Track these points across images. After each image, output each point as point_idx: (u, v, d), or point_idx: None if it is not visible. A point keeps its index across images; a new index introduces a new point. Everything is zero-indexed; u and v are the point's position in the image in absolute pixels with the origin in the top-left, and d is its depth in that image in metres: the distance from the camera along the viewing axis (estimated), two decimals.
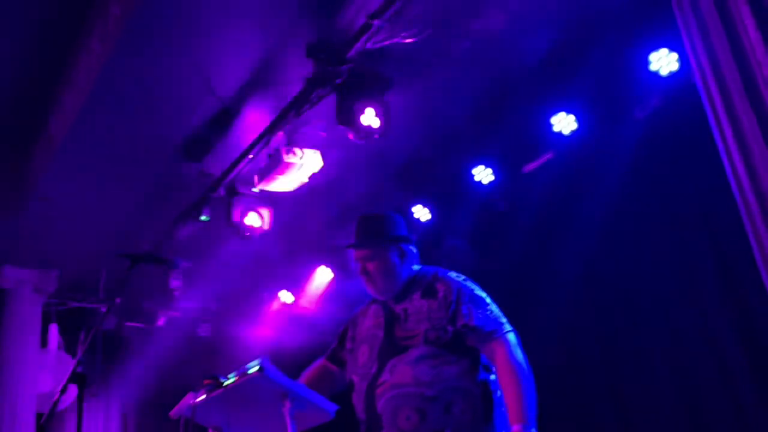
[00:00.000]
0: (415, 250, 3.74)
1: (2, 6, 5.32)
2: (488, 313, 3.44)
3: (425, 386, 3.30)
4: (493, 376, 3.40)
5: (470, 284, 3.57)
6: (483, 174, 6.61)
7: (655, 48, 5.28)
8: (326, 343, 4.00)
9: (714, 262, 5.46)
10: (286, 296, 8.87)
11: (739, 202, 3.25)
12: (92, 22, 5.47)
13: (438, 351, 3.36)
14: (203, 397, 3.13)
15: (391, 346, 3.45)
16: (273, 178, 6.04)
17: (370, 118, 5.33)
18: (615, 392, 6.05)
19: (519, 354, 3.36)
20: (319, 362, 3.86)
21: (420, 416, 3.27)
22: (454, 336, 3.38)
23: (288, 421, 3.00)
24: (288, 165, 5.85)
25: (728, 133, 3.24)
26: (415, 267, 3.71)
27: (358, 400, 3.49)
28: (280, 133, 5.97)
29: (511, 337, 3.40)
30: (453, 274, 3.63)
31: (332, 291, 8.29)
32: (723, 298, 5.37)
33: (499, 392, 3.36)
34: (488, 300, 3.52)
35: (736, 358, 5.23)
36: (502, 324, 3.42)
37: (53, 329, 8.53)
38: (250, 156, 6.28)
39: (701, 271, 5.53)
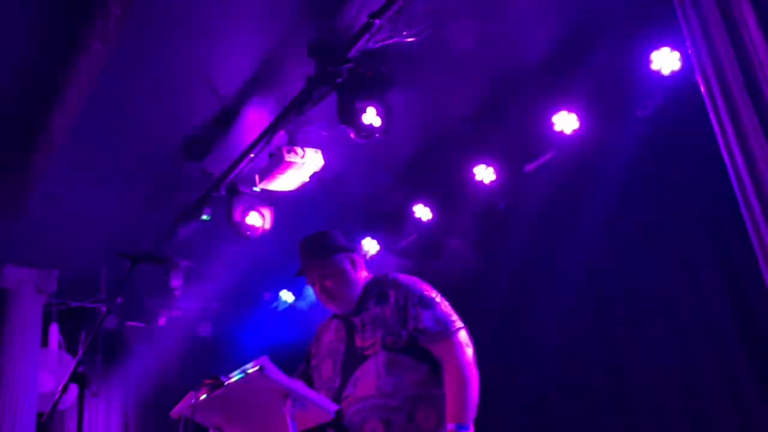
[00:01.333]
0: (361, 258, 3.80)
1: (3, 6, 5.32)
2: (437, 312, 3.46)
3: (388, 397, 3.34)
4: None
5: (420, 285, 3.60)
6: (484, 173, 6.60)
7: (657, 47, 5.27)
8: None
9: (716, 260, 5.45)
10: (287, 296, 8.88)
11: (740, 200, 3.24)
12: (93, 21, 5.46)
13: (397, 357, 3.39)
14: (204, 396, 3.12)
15: (353, 357, 3.50)
16: (274, 178, 6.03)
17: (371, 117, 5.33)
18: (617, 390, 6.03)
19: (469, 351, 3.39)
20: None
21: (385, 426, 3.31)
22: (408, 339, 3.41)
23: (288, 420, 3.00)
24: (289, 164, 5.85)
25: (730, 132, 3.23)
26: (364, 274, 3.76)
27: None
28: (282, 132, 5.97)
29: (461, 335, 3.43)
30: (403, 277, 3.67)
31: None
32: (725, 296, 5.35)
33: None
34: (438, 299, 3.54)
35: (739, 357, 5.22)
36: (451, 322, 3.44)
37: (54, 329, 8.54)
38: (251, 155, 6.28)
39: (703, 270, 5.52)
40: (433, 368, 3.41)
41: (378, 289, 3.62)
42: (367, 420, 3.34)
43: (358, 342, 3.51)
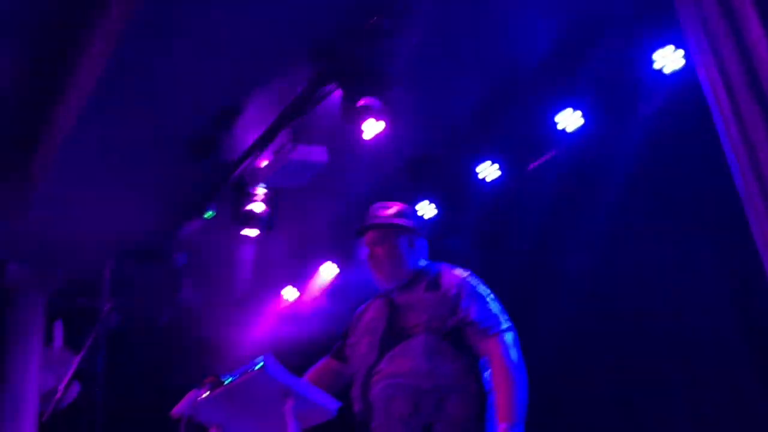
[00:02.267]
0: (424, 245, 3.76)
1: (4, 6, 5.32)
2: (487, 309, 3.44)
3: (422, 378, 3.32)
4: (489, 376, 3.39)
5: (474, 280, 3.58)
6: (488, 171, 6.60)
7: (660, 45, 5.27)
8: (331, 340, 4.00)
9: (719, 259, 5.45)
10: (290, 293, 8.88)
11: (744, 199, 3.23)
12: (94, 21, 5.47)
13: (438, 344, 3.37)
14: (205, 395, 3.12)
15: (392, 336, 3.47)
16: (278, 176, 6.04)
17: (375, 115, 5.32)
18: (620, 390, 6.03)
19: (514, 353, 3.36)
20: (323, 360, 3.88)
21: (413, 407, 3.29)
22: (453, 329, 3.39)
23: (290, 419, 3.00)
24: (293, 162, 5.85)
25: (733, 130, 3.22)
26: (423, 262, 3.71)
27: (355, 390, 3.51)
28: (285, 130, 5.97)
29: (509, 336, 3.40)
30: (458, 270, 3.64)
31: (336, 288, 8.29)
32: (728, 294, 5.35)
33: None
34: (490, 297, 3.52)
35: (741, 355, 5.22)
36: (500, 322, 3.42)
37: (58, 326, 8.54)
38: (255, 153, 6.28)
39: (706, 268, 5.52)
40: (472, 363, 3.39)
41: (431, 276, 3.60)
42: (394, 398, 3.32)
43: (401, 322, 3.48)
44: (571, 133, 5.91)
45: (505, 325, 3.42)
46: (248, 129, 6.21)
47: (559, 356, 6.38)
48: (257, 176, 6.28)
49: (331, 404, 3.18)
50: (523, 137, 6.37)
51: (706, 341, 5.44)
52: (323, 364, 3.85)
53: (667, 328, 5.72)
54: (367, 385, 3.42)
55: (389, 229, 3.67)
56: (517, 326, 6.46)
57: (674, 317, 5.67)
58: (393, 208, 3.76)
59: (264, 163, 6.17)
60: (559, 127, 5.92)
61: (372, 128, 5.35)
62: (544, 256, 6.65)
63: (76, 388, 6.54)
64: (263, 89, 5.85)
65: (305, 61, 5.49)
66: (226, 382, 3.09)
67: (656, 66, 5.31)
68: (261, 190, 6.24)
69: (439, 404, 3.28)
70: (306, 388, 3.15)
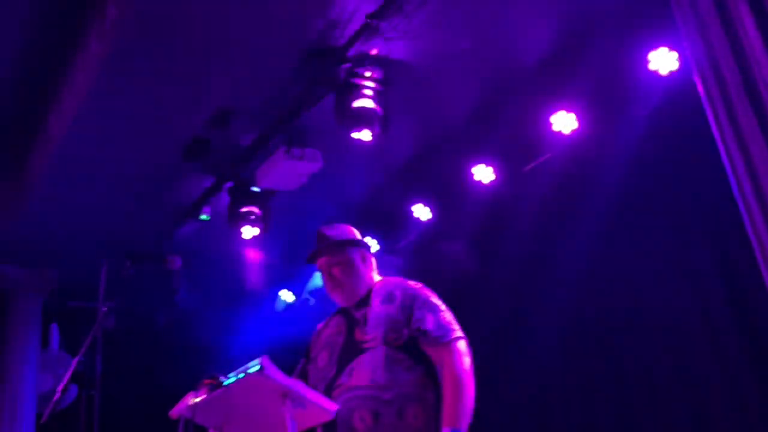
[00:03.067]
0: (373, 259, 3.89)
1: (2, 6, 5.32)
2: (440, 318, 3.52)
3: (381, 389, 3.38)
4: None
5: (427, 291, 3.67)
6: (483, 173, 6.61)
7: (655, 47, 5.28)
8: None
9: (715, 260, 5.46)
10: (286, 295, 8.88)
11: (738, 199, 3.25)
12: (90, 22, 5.47)
13: (395, 354, 3.44)
14: (203, 396, 3.13)
15: (351, 349, 3.54)
16: (273, 178, 6.04)
17: (369, 117, 5.33)
18: (617, 392, 6.04)
19: (466, 361, 3.43)
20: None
21: (374, 418, 3.34)
22: (408, 339, 3.47)
23: (288, 420, 3.00)
24: (288, 164, 5.86)
25: (728, 131, 3.24)
26: (377, 277, 3.83)
27: None
28: (280, 133, 5.98)
29: (460, 344, 3.48)
30: (412, 282, 3.74)
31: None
32: (725, 295, 5.36)
33: None
34: (443, 307, 3.61)
35: (739, 357, 5.23)
36: (452, 330, 3.50)
37: (54, 329, 8.54)
38: (251, 155, 6.28)
39: (702, 269, 5.53)
40: (428, 372, 3.46)
41: (386, 290, 3.68)
42: (356, 409, 3.36)
43: (358, 336, 3.55)
44: (566, 135, 5.92)
45: (457, 334, 3.50)
46: (243, 132, 6.21)
47: (555, 357, 6.39)
48: (252, 178, 6.28)
49: (329, 406, 3.19)
50: (518, 139, 6.37)
51: (703, 342, 5.45)
52: None
53: (663, 329, 5.74)
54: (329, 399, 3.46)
55: (341, 247, 3.77)
56: (512, 327, 6.48)
57: (670, 318, 5.69)
58: (339, 228, 3.87)
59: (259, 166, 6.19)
60: (555, 128, 5.93)
61: (367, 130, 5.37)
62: (540, 258, 6.66)
63: (73, 390, 6.55)
64: (258, 91, 5.85)
65: (301, 62, 5.50)
66: (223, 384, 3.10)
67: (651, 67, 5.32)
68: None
69: (400, 413, 3.34)
70: (303, 390, 3.16)
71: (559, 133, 5.93)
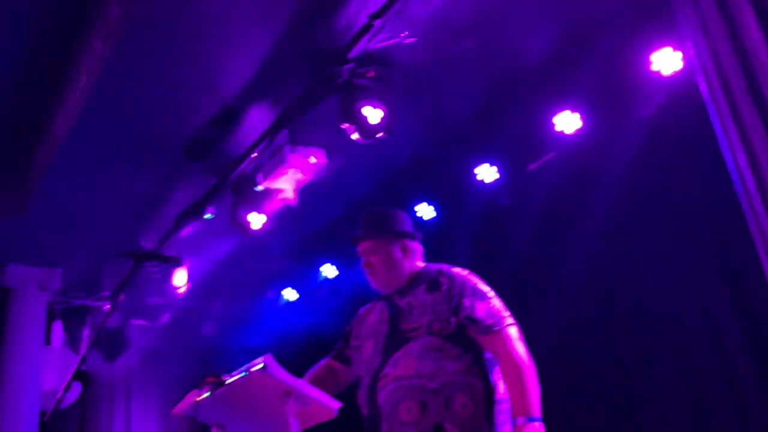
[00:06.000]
0: (419, 247, 3.81)
1: (3, 6, 5.33)
2: (490, 306, 3.47)
3: (427, 378, 3.33)
4: (494, 374, 3.41)
5: (474, 278, 3.61)
6: (487, 172, 6.61)
7: (658, 47, 5.28)
8: (330, 341, 4.01)
9: (718, 260, 5.45)
10: (290, 294, 8.89)
11: (742, 200, 3.25)
12: (93, 21, 5.47)
13: (441, 343, 3.39)
14: (206, 394, 3.13)
15: (395, 339, 3.49)
16: (277, 177, 6.05)
17: (373, 117, 5.33)
18: (620, 389, 6.03)
19: (520, 347, 3.38)
20: (324, 361, 3.89)
21: (421, 408, 3.30)
22: (457, 328, 3.41)
23: (291, 418, 3.01)
24: (291, 164, 5.86)
25: (732, 132, 3.24)
26: (420, 264, 3.74)
27: (362, 395, 3.52)
28: (284, 132, 5.98)
29: (513, 330, 3.42)
30: (457, 269, 3.67)
31: (336, 289, 8.30)
32: (728, 295, 5.36)
33: (500, 389, 3.37)
34: (491, 294, 3.55)
35: (741, 355, 5.22)
36: (503, 317, 3.45)
37: (57, 327, 8.54)
38: (254, 155, 6.28)
39: (705, 269, 5.52)
40: (476, 359, 3.41)
41: (430, 277, 3.63)
42: (402, 400, 3.33)
43: (403, 325, 3.51)
44: (569, 135, 5.93)
45: (509, 321, 3.45)
46: (247, 130, 6.22)
47: (557, 358, 6.38)
48: (255, 178, 6.29)
49: (333, 404, 3.19)
50: (521, 139, 6.38)
51: (706, 343, 5.44)
52: (324, 365, 3.86)
53: (666, 330, 5.73)
54: (374, 390, 3.43)
55: (382, 237, 3.73)
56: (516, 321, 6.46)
57: (673, 318, 5.68)
58: (385, 215, 3.82)
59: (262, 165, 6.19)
60: (558, 128, 5.93)
61: (370, 130, 5.37)
62: (543, 258, 6.65)
63: (77, 388, 6.56)
64: (262, 90, 5.86)
65: (304, 62, 5.51)
66: (227, 382, 3.10)
67: (654, 68, 5.32)
68: None
69: (447, 403, 3.29)
70: (307, 388, 3.16)
71: (562, 133, 5.94)
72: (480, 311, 3.42)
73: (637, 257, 6.00)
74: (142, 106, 5.87)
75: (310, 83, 5.58)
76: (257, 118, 6.11)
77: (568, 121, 5.88)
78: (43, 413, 7.57)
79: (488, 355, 3.42)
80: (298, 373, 3.39)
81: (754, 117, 3.15)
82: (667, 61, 5.27)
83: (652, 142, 5.63)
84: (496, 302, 3.52)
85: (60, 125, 6.23)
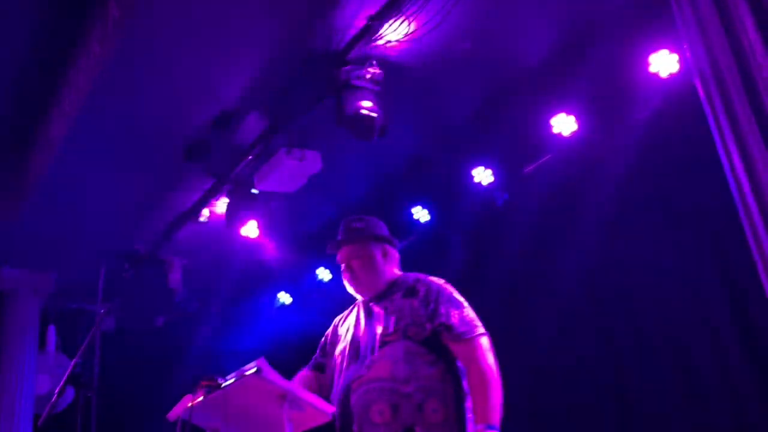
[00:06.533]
0: (397, 255, 3.87)
1: (2, 7, 5.32)
2: (464, 314, 3.52)
3: (402, 382, 3.37)
4: (466, 381, 3.44)
5: (450, 288, 3.67)
6: (483, 175, 6.61)
7: (655, 49, 5.28)
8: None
9: (715, 262, 5.45)
10: (284, 297, 8.88)
11: (738, 203, 3.23)
12: (91, 23, 5.46)
13: (417, 348, 3.43)
14: (201, 398, 3.12)
15: (371, 343, 3.53)
16: (273, 179, 6.04)
17: (369, 119, 5.32)
18: (616, 390, 6.03)
19: (490, 357, 3.44)
20: (302, 372, 3.90)
21: (393, 411, 3.33)
22: (431, 334, 3.46)
23: (285, 422, 3.00)
24: (288, 166, 5.85)
25: (728, 134, 3.23)
26: (398, 272, 3.83)
27: (335, 396, 3.54)
28: (281, 135, 5.97)
29: (484, 340, 3.48)
30: (434, 278, 3.73)
31: (330, 292, 8.29)
32: (724, 297, 5.35)
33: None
34: (465, 304, 3.61)
35: (738, 356, 5.22)
36: (476, 326, 3.50)
37: (51, 331, 8.53)
38: (250, 157, 6.28)
39: (701, 271, 5.52)
40: (449, 367, 3.45)
41: (407, 285, 3.67)
42: (375, 401, 3.36)
43: (379, 329, 3.54)
44: (566, 137, 5.92)
45: (480, 330, 3.51)
46: (244, 132, 6.21)
47: (553, 360, 6.38)
48: (252, 180, 6.28)
49: (327, 408, 3.19)
50: (518, 141, 6.37)
51: (705, 349, 5.43)
52: (302, 375, 3.88)
53: (663, 331, 5.73)
54: (348, 391, 3.46)
55: (364, 241, 3.76)
56: (511, 330, 6.47)
57: (669, 319, 5.68)
58: (365, 221, 3.85)
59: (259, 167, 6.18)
60: (555, 131, 5.93)
61: (367, 132, 5.37)
62: (539, 260, 6.65)
63: (70, 392, 6.54)
64: (258, 93, 5.85)
65: (301, 64, 5.50)
66: (221, 386, 3.09)
67: (651, 70, 5.33)
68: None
69: (419, 407, 3.33)
70: (301, 392, 3.15)
71: (559, 135, 5.94)
72: (454, 319, 3.48)
73: (632, 259, 6.00)
74: (139, 109, 5.87)
75: (308, 85, 5.57)
76: (254, 121, 6.10)
77: (564, 124, 5.88)
78: (36, 417, 7.55)
79: (460, 364, 3.47)
80: (289, 378, 3.38)
81: (751, 120, 3.13)
82: (663, 63, 5.28)
83: (649, 144, 5.63)
84: (470, 312, 3.58)
85: (58, 127, 6.22)
